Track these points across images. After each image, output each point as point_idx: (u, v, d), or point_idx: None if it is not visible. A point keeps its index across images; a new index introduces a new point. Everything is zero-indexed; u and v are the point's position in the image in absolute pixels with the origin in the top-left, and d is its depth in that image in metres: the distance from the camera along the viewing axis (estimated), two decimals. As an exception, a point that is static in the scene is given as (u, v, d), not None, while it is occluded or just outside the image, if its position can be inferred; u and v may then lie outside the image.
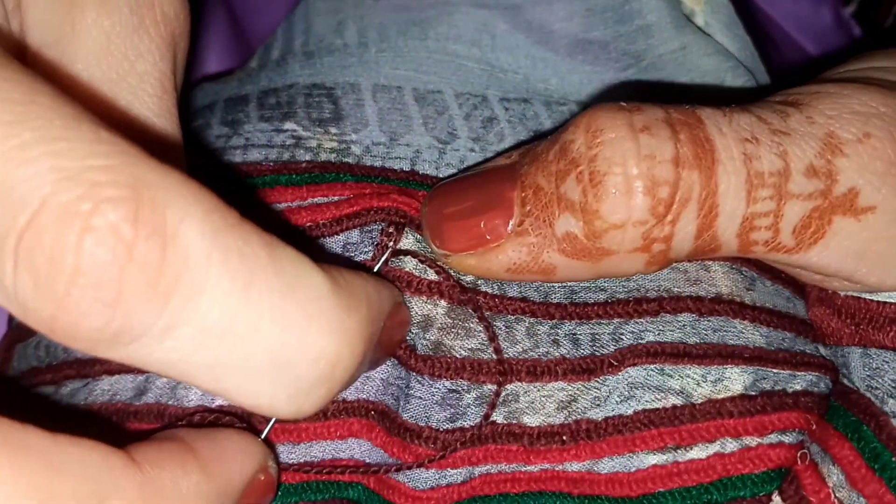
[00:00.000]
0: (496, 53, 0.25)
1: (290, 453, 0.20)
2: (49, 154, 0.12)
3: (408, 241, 0.21)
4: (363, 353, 0.16)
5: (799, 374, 0.20)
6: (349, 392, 0.20)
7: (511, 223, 0.19)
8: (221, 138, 0.24)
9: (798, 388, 0.20)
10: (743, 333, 0.21)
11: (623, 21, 0.26)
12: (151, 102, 0.18)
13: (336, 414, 0.20)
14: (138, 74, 0.18)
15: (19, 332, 0.25)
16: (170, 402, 0.21)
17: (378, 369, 0.20)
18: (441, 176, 0.23)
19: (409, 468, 0.20)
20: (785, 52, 0.34)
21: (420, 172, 0.23)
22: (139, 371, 0.21)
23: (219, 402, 0.21)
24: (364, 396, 0.20)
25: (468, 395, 0.20)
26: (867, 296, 0.20)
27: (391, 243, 0.21)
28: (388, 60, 0.25)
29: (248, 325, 0.14)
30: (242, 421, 0.20)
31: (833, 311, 0.21)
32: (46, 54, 0.18)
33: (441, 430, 0.20)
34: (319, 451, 0.20)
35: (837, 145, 0.18)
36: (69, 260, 0.13)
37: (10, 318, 0.27)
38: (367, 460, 0.20)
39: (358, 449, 0.20)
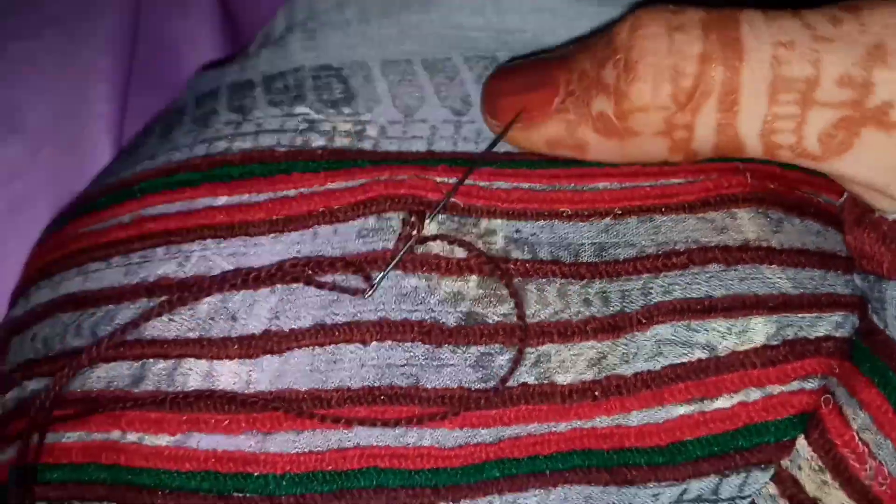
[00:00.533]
0: (501, 16, 0.26)
1: (294, 443, 0.20)
2: None
3: (431, 226, 0.21)
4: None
5: (824, 315, 0.21)
6: (354, 381, 0.20)
7: (556, 101, 0.21)
8: (231, 125, 0.24)
9: (821, 332, 0.21)
10: (770, 279, 0.21)
11: None
12: None
13: (340, 403, 0.20)
14: None
15: (15, 324, 0.25)
16: (168, 389, 0.20)
17: (384, 355, 0.20)
18: (458, 151, 0.23)
19: (435, 417, 0.20)
20: None
21: (437, 152, 0.23)
22: (135, 358, 0.21)
23: (219, 389, 0.20)
24: (369, 384, 0.20)
25: (501, 357, 0.20)
26: None
27: (414, 232, 0.21)
28: (393, 36, 0.25)
29: None
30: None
31: (878, 236, 0.21)
32: None
33: (473, 389, 0.20)
34: (322, 440, 0.20)
35: (883, 56, 0.18)
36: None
37: (8, 310, 0.27)
38: (377, 445, 0.20)
39: (366, 436, 0.20)
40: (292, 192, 0.22)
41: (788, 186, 0.22)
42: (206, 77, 0.27)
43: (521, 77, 0.22)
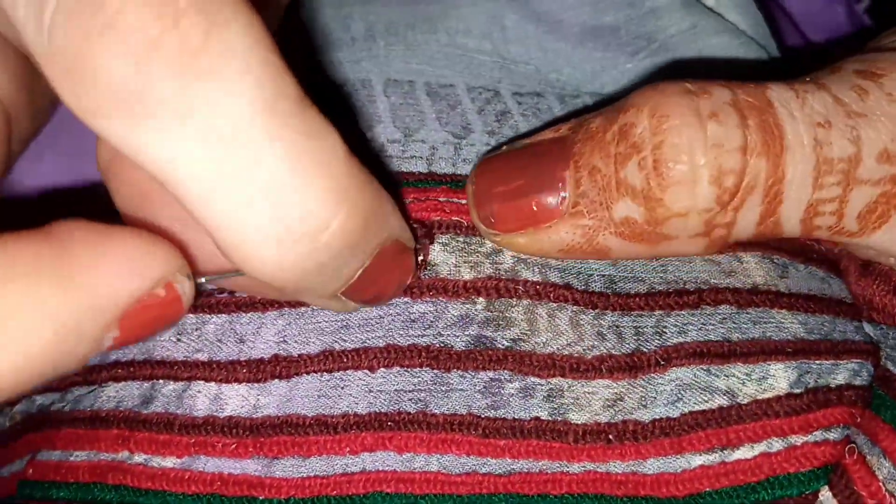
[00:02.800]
0: (507, 46, 0.25)
1: (299, 468, 0.20)
2: None
3: (435, 250, 0.21)
4: (355, 239, 0.15)
5: (841, 363, 0.20)
6: (360, 406, 0.20)
7: (565, 203, 0.18)
8: None
9: (841, 380, 0.20)
10: (782, 323, 0.20)
11: (633, 4, 0.26)
12: None
13: (346, 429, 0.20)
14: None
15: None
16: (178, 411, 0.20)
17: (392, 381, 0.20)
18: (459, 173, 0.23)
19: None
20: (800, 28, 0.33)
21: (438, 173, 0.22)
22: (145, 378, 0.21)
23: (227, 412, 0.20)
24: (376, 409, 0.20)
25: (511, 385, 0.20)
26: None
27: (422, 259, 0.20)
28: (399, 54, 0.25)
29: (256, 150, 0.14)
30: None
31: (890, 290, 0.20)
32: None
33: (482, 416, 0.20)
34: (327, 465, 0.20)
35: None
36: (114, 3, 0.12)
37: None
38: (384, 469, 0.20)
39: (371, 461, 0.20)
40: None
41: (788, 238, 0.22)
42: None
43: (516, 174, 0.19)
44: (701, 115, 0.17)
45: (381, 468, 0.20)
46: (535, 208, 0.19)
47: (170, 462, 0.20)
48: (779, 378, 0.20)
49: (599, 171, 0.18)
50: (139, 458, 0.20)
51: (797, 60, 0.20)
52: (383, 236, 0.17)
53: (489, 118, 0.23)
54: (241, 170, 0.14)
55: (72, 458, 0.21)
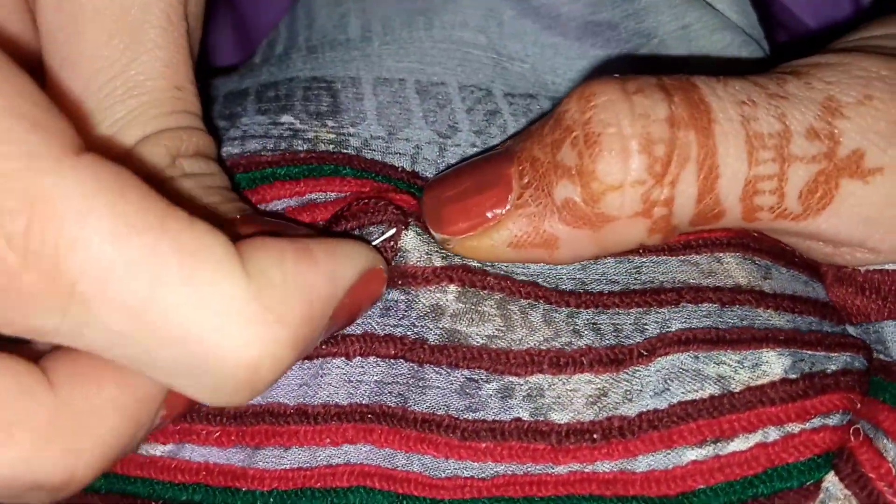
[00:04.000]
0: (504, 41, 0.25)
1: (281, 459, 0.19)
2: None
3: (408, 236, 0.20)
4: (294, 356, 0.15)
5: (833, 355, 0.20)
6: (341, 396, 0.19)
7: (510, 197, 0.19)
8: (219, 131, 0.24)
9: (835, 367, 0.19)
10: (770, 321, 0.20)
11: None
12: (154, 33, 0.19)
13: (327, 419, 0.19)
14: (141, 4, 0.18)
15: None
16: None
17: (370, 371, 0.19)
18: None
19: None
20: (791, 29, 0.33)
21: (421, 175, 0.22)
22: None
23: None
24: (357, 400, 0.19)
25: (488, 386, 0.19)
26: (890, 266, 0.19)
27: (392, 243, 0.20)
28: (392, 53, 0.24)
29: (153, 336, 0.14)
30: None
31: (856, 290, 0.20)
32: None
33: (461, 418, 0.19)
34: (310, 456, 0.19)
35: (837, 108, 0.18)
36: None
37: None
38: (367, 463, 0.19)
39: (355, 454, 0.19)
40: (280, 205, 0.22)
41: (768, 237, 0.21)
42: (206, 87, 0.27)
43: (464, 179, 0.19)
44: (627, 91, 0.18)
45: (364, 462, 0.19)
46: (483, 208, 0.19)
47: (157, 450, 0.20)
48: (773, 364, 0.19)
49: (539, 160, 0.18)
50: None
51: (787, 59, 0.20)
52: (341, 293, 0.17)
53: (478, 117, 0.23)
54: (150, 354, 0.14)
55: None
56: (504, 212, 0.19)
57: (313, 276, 0.15)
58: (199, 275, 0.14)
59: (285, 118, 0.23)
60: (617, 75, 0.18)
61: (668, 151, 0.17)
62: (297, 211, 0.21)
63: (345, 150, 0.22)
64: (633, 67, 0.25)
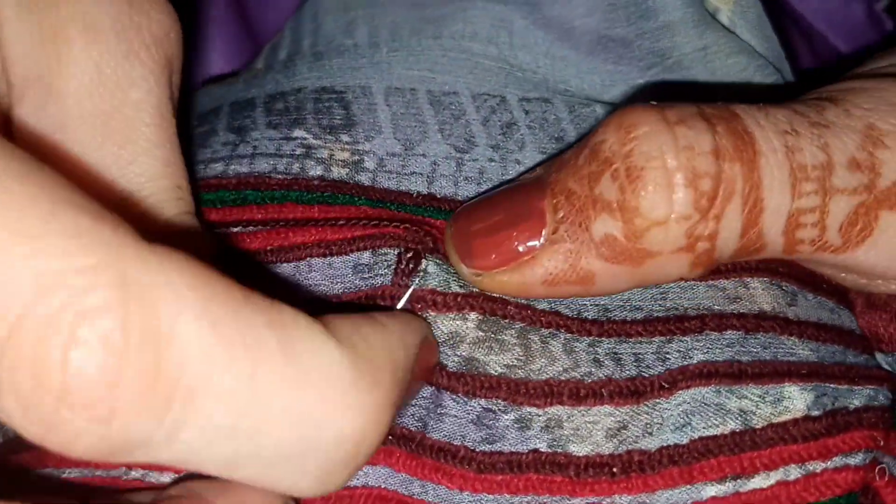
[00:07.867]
0: (514, 51, 0.24)
1: None
2: (24, 256, 0.11)
3: (429, 261, 0.20)
4: (391, 420, 0.15)
5: (856, 388, 0.19)
6: None
7: (544, 232, 0.18)
8: (228, 146, 0.23)
9: (858, 403, 0.19)
10: (793, 350, 0.19)
11: (646, 17, 0.25)
12: (150, 132, 0.18)
13: None
14: (133, 104, 0.17)
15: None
16: None
17: None
18: (459, 194, 0.22)
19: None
20: (816, 49, 0.33)
21: (438, 196, 0.22)
22: None
23: None
24: None
25: (505, 417, 0.19)
26: None
27: (413, 276, 0.20)
28: (401, 61, 0.24)
29: (258, 420, 0.13)
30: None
31: (891, 317, 0.20)
32: (32, 90, 0.17)
33: (477, 451, 0.19)
34: None
35: (878, 137, 0.17)
36: (55, 378, 0.11)
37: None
38: (385, 487, 0.19)
39: (374, 476, 0.19)
40: (289, 221, 0.21)
41: (797, 263, 0.21)
42: (210, 94, 0.26)
43: (495, 210, 0.19)
44: (668, 122, 0.17)
45: (382, 485, 0.19)
46: (515, 242, 0.18)
47: (167, 477, 0.20)
48: (795, 399, 0.19)
49: (575, 193, 0.18)
50: (136, 473, 0.20)
51: (811, 84, 0.20)
52: (412, 361, 0.16)
53: (494, 130, 0.23)
54: (250, 445, 0.13)
55: (64, 475, 0.20)
56: (538, 246, 0.18)
57: (389, 341, 0.15)
58: (298, 347, 0.13)
59: (298, 132, 0.23)
60: (654, 102, 0.17)
61: (715, 185, 0.17)
62: (306, 228, 0.21)
63: (359, 176, 0.22)
64: (664, 94, 0.24)
